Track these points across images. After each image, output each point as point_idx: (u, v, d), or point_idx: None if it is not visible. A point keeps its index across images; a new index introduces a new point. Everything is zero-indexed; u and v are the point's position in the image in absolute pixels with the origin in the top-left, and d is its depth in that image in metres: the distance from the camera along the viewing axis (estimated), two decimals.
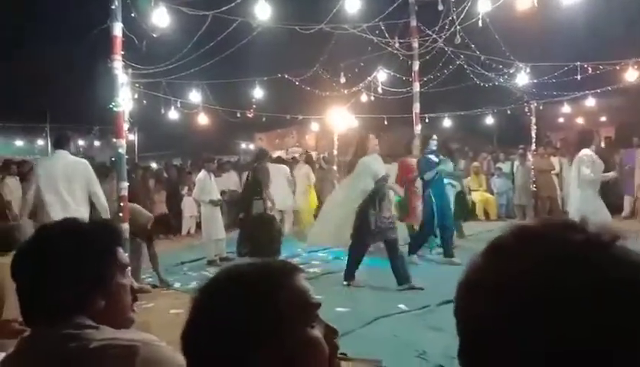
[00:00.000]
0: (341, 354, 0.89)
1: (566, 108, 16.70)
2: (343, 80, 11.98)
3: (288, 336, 0.81)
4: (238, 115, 13.48)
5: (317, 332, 0.84)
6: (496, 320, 0.53)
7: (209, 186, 8.21)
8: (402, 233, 8.86)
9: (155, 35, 6.96)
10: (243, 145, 27.40)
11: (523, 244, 0.56)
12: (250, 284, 0.82)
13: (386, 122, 14.74)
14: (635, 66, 11.20)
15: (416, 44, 10.18)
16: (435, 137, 7.42)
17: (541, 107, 13.47)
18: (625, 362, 0.49)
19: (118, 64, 5.86)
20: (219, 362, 0.79)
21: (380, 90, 12.38)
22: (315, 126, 17.54)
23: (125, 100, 6.38)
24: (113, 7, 5.74)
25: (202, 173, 8.32)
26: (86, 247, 1.16)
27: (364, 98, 13.07)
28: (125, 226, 5.54)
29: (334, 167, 12.89)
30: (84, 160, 5.62)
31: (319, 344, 0.84)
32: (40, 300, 1.14)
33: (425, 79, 11.26)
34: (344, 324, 4.48)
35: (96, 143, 23.06)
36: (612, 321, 0.49)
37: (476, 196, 12.07)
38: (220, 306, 0.81)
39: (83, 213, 4.94)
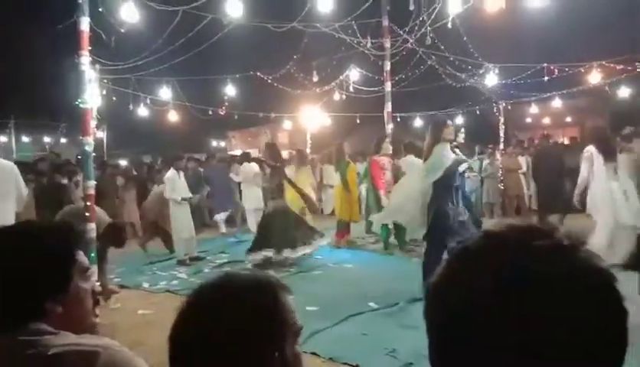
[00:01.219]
0: (312, 353, 0.92)
1: (533, 109, 17.14)
2: (315, 79, 11.98)
3: (282, 348, 0.84)
4: (210, 112, 13.34)
5: (299, 349, 0.88)
6: (462, 321, 0.55)
7: (178, 185, 8.11)
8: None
9: (122, 30, 6.81)
10: (215, 143, 27.13)
11: (490, 249, 0.58)
12: (244, 294, 0.85)
13: (358, 121, 14.83)
14: (599, 69, 11.56)
15: (387, 44, 10.24)
16: (462, 130, 7.23)
17: (509, 107, 13.78)
18: (581, 364, 0.51)
19: (85, 60, 5.69)
20: None
21: (351, 89, 12.44)
22: (287, 124, 17.51)
23: (92, 97, 6.23)
24: (80, 0, 5.59)
25: (171, 172, 8.19)
26: (41, 250, 1.13)
27: (336, 96, 13.12)
28: (92, 226, 5.41)
29: (307, 166, 12.90)
30: (11, 163, 5.47)
31: (301, 361, 0.88)
32: None
33: (396, 78, 11.35)
34: (314, 323, 4.49)
35: (63, 140, 22.51)
36: (568, 326, 0.51)
37: None
38: (213, 314, 0.83)
39: (11, 214, 4.83)
